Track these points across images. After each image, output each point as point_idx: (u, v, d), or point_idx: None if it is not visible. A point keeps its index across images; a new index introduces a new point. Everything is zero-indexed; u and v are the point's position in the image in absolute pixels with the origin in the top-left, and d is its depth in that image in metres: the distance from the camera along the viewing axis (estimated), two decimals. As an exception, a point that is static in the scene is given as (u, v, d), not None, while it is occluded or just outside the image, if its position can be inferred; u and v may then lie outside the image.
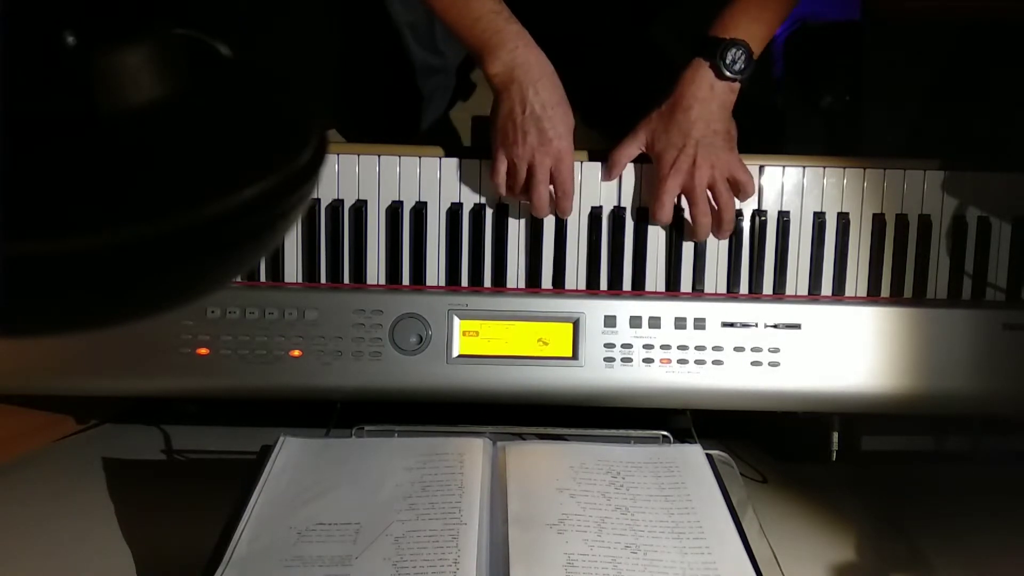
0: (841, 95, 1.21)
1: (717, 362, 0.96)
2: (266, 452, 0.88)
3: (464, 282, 1.01)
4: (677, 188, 0.97)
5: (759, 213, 1.02)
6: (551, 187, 0.97)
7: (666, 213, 0.98)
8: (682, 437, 0.96)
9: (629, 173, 1.02)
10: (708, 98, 0.96)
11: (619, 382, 0.96)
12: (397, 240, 1.01)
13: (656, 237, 1.02)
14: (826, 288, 1.01)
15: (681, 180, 0.97)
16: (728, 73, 0.95)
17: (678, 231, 1.01)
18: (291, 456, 0.88)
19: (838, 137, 1.21)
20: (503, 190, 0.98)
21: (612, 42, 1.22)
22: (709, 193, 0.98)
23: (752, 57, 0.96)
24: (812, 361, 0.96)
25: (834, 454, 1.05)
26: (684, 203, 1.00)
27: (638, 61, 1.22)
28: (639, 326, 0.96)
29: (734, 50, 0.95)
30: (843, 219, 1.01)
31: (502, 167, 0.97)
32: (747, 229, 1.02)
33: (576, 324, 0.96)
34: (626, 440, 0.94)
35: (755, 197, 1.02)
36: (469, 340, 0.96)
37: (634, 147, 0.99)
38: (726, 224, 0.99)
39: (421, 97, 1.22)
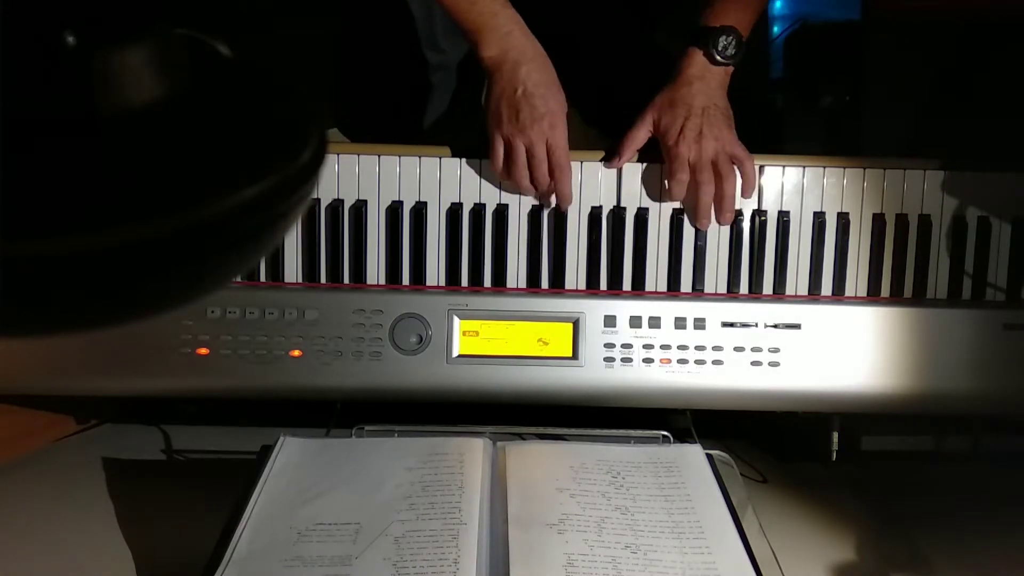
0: (841, 95, 1.22)
1: (717, 362, 0.96)
2: (266, 452, 0.88)
3: (464, 282, 1.01)
4: (686, 157, 0.99)
5: (759, 213, 1.02)
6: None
7: (681, 185, 0.99)
8: (682, 437, 0.96)
9: (629, 173, 1.02)
10: (707, 76, 1.00)
11: (619, 382, 0.96)
12: (397, 240, 1.01)
13: (656, 237, 1.02)
14: (826, 288, 1.01)
15: (688, 149, 0.98)
16: (721, 59, 1.00)
17: (678, 231, 1.01)
18: (291, 456, 0.88)
19: (838, 137, 1.21)
20: (503, 173, 0.99)
21: (614, 43, 1.22)
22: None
23: (742, 41, 1.00)
24: (812, 361, 0.96)
25: (834, 454, 1.05)
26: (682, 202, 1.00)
27: (640, 62, 1.22)
28: (639, 326, 0.96)
29: (725, 37, 0.99)
30: (843, 219, 1.01)
31: (499, 148, 0.98)
32: (747, 229, 1.02)
33: (576, 324, 0.96)
34: (626, 440, 0.94)
35: (755, 197, 1.02)
36: (469, 340, 0.96)
37: (643, 131, 1.01)
38: (728, 201, 0.99)
39: (422, 95, 1.22)
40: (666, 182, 1.00)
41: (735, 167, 0.99)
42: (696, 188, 0.99)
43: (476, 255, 1.01)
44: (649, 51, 1.23)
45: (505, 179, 1.00)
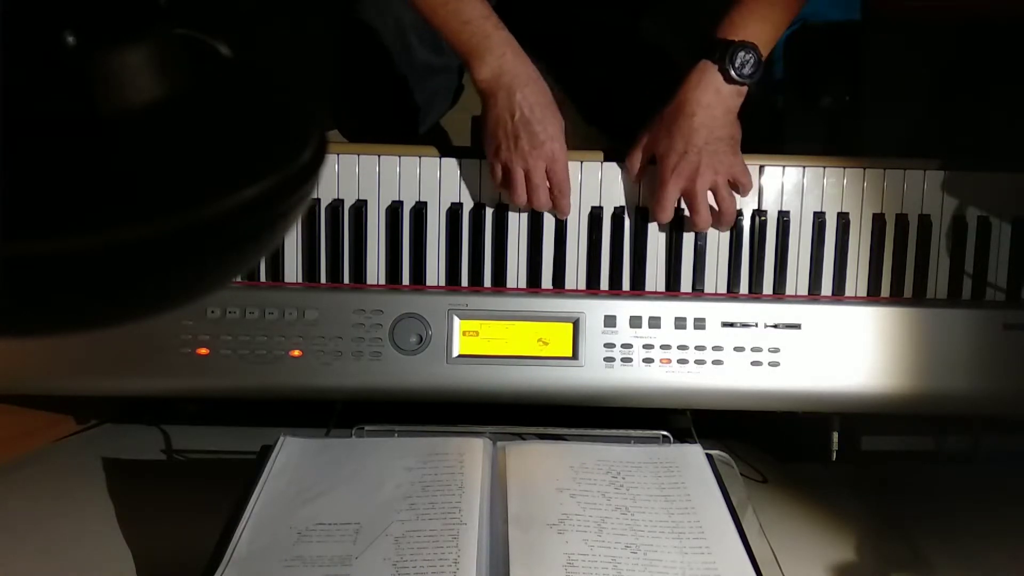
0: (841, 95, 1.22)
1: (717, 362, 0.96)
2: (266, 452, 0.88)
3: (464, 282, 1.01)
4: (678, 192, 0.97)
5: (759, 213, 1.02)
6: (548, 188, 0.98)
7: (666, 215, 0.98)
8: (682, 437, 0.97)
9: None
10: (713, 103, 0.94)
11: (619, 382, 0.96)
12: (397, 240, 1.01)
13: (656, 237, 1.02)
14: (826, 288, 1.01)
15: (682, 185, 0.97)
16: (737, 77, 0.93)
17: (678, 231, 1.01)
18: (291, 456, 0.88)
19: (838, 137, 1.21)
20: (504, 196, 0.99)
21: (605, 36, 1.22)
22: (710, 194, 0.98)
23: (761, 60, 0.94)
24: (812, 361, 0.96)
25: (834, 454, 1.05)
26: (683, 201, 1.00)
27: (632, 54, 1.21)
28: (639, 326, 0.96)
29: (743, 53, 0.93)
30: (843, 219, 1.01)
31: (498, 173, 0.97)
32: (747, 229, 1.02)
33: (576, 324, 0.96)
34: (626, 440, 0.94)
35: (755, 197, 1.02)
36: (469, 340, 0.96)
37: (641, 150, 0.99)
38: (726, 220, 0.99)
39: (423, 97, 1.22)
40: (653, 209, 0.99)
41: (733, 191, 0.98)
42: (692, 217, 0.99)
43: (476, 255, 1.01)
44: (643, 45, 1.22)
45: (505, 197, 1.00)
